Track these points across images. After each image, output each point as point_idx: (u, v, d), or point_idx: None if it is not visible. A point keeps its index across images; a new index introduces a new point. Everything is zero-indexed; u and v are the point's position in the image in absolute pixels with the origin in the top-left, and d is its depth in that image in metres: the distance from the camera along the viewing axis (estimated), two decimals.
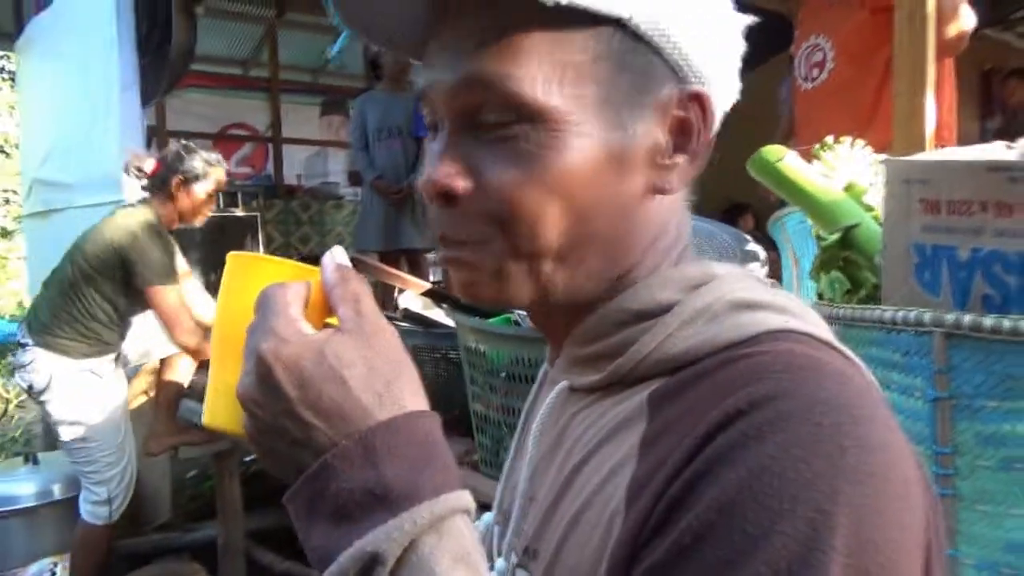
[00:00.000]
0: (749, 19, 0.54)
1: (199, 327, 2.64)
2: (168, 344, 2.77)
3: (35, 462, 3.17)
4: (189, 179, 2.68)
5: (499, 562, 0.58)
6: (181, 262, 2.80)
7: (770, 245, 1.84)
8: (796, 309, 0.49)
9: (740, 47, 0.54)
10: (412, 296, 2.23)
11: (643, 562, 0.40)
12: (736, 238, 1.54)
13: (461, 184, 0.48)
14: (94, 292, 2.57)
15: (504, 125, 0.47)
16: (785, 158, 1.12)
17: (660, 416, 0.46)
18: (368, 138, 4.12)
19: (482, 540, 0.65)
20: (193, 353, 2.74)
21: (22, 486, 3.02)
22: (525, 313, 1.46)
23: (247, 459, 3.39)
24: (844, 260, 1.02)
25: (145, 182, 2.75)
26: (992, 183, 0.77)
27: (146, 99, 3.62)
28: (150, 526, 3.30)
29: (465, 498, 0.44)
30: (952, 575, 0.79)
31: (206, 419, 0.53)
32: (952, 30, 2.01)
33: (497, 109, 0.47)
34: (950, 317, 0.75)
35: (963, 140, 2.38)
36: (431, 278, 4.07)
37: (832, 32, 2.35)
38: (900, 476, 0.40)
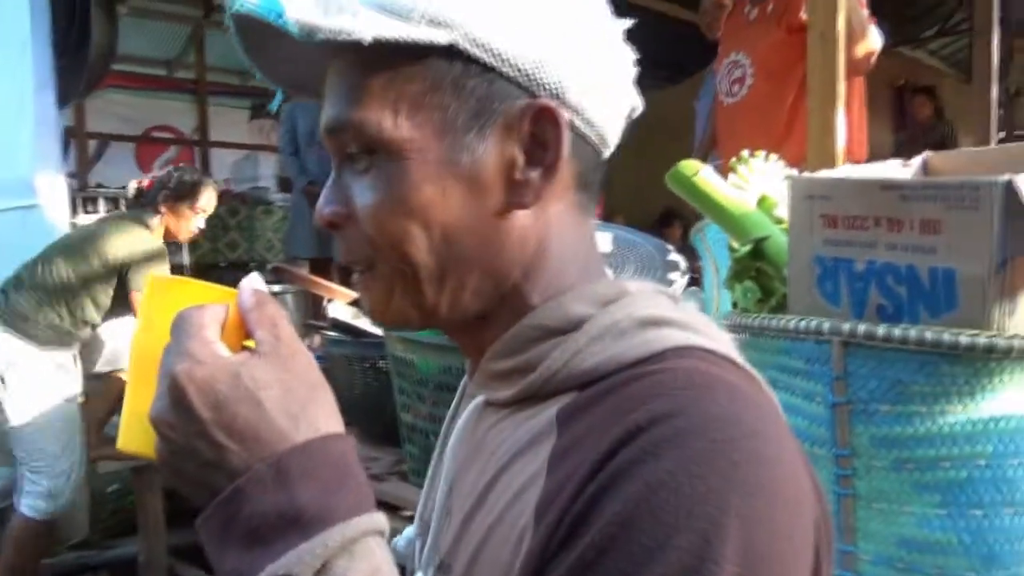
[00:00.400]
0: (625, 23, 0.56)
1: None
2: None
3: None
4: (177, 196, 2.80)
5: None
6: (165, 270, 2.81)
7: (696, 254, 1.90)
8: (700, 325, 0.52)
9: (618, 54, 0.55)
10: (341, 305, 2.21)
11: None
12: (659, 248, 1.58)
13: (338, 213, 0.53)
14: (83, 291, 2.61)
15: (363, 158, 0.52)
16: (700, 172, 1.16)
17: (568, 432, 0.47)
18: (299, 143, 4.06)
19: (406, 554, 0.66)
20: None
21: None
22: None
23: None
24: (756, 270, 1.06)
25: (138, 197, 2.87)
26: (885, 200, 0.82)
27: (63, 100, 3.48)
28: (66, 544, 3.16)
29: (377, 519, 0.44)
30: (852, 570, 0.83)
31: (120, 443, 0.52)
32: (861, 50, 2.12)
33: (356, 146, 0.52)
34: (846, 326, 0.80)
35: (876, 153, 2.51)
36: None
37: (751, 49, 2.44)
38: (790, 487, 0.43)
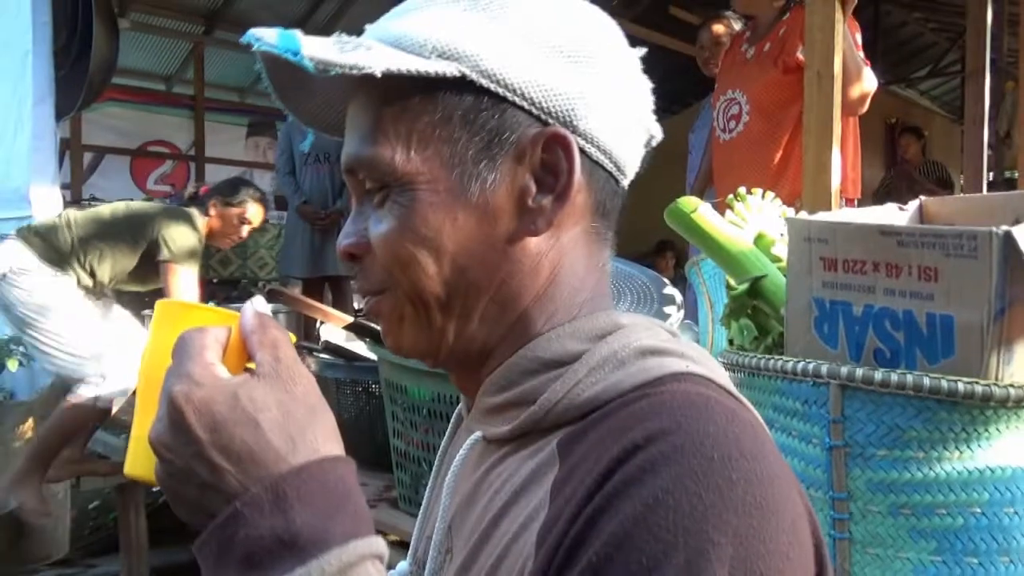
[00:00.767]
0: (639, 52, 0.57)
1: None
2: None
3: None
4: (228, 202, 2.96)
5: None
6: None
7: (687, 284, 1.90)
8: (696, 356, 0.52)
9: (632, 82, 0.56)
10: (334, 328, 2.20)
11: None
12: (655, 281, 1.59)
13: (355, 245, 0.55)
14: (104, 247, 2.72)
15: (378, 191, 0.54)
16: (699, 209, 1.17)
17: (568, 460, 0.48)
18: (295, 162, 4.06)
19: None
20: None
21: None
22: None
23: (155, 489, 3.24)
24: (752, 308, 1.07)
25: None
26: (883, 245, 0.82)
27: (61, 112, 3.48)
28: (46, 562, 3.10)
29: (376, 544, 0.44)
30: None
31: (127, 468, 0.52)
32: (855, 91, 2.15)
33: (371, 180, 0.54)
34: (844, 369, 0.80)
35: (868, 189, 2.53)
36: (355, 305, 4.02)
37: (747, 87, 2.48)
38: (787, 509, 0.43)
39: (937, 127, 6.74)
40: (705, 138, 3.15)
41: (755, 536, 0.40)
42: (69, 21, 3.63)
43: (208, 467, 0.43)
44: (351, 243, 0.55)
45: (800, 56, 2.22)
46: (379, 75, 0.48)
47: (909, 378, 0.77)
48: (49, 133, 3.32)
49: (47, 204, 3.22)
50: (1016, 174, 4.60)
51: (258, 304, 0.50)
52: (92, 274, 2.74)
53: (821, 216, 0.99)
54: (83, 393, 2.65)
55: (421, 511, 0.66)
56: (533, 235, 0.53)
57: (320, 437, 0.45)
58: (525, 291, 0.54)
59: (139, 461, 0.51)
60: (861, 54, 2.21)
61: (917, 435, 0.78)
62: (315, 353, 2.09)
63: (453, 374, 0.60)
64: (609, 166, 0.55)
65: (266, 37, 0.49)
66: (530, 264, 0.54)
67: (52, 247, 2.67)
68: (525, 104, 0.51)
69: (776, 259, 1.12)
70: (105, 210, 2.85)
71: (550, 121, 0.52)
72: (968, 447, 0.77)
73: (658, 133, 0.59)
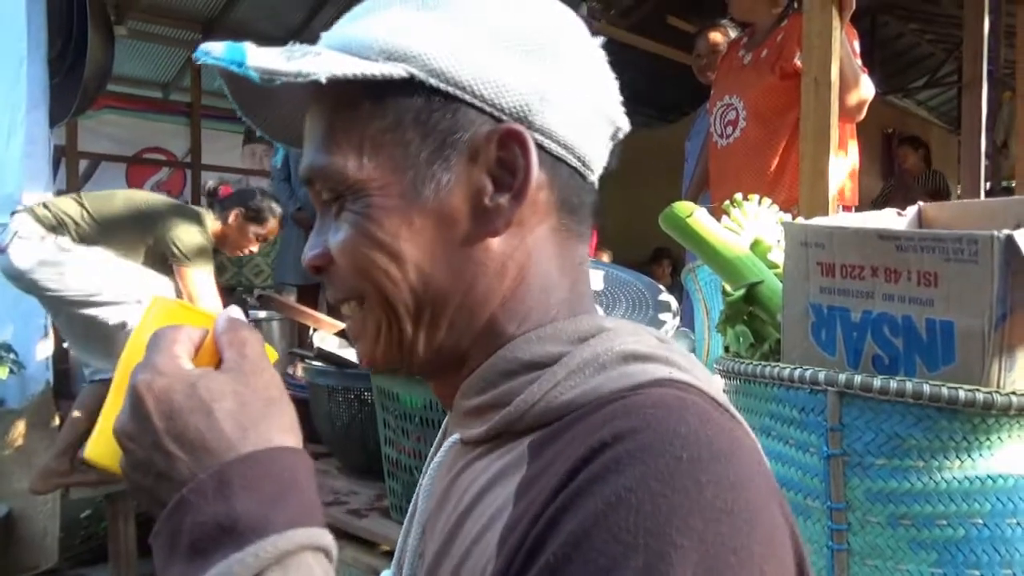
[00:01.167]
0: (598, 41, 0.55)
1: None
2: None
3: None
4: (248, 216, 2.90)
5: None
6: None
7: (683, 292, 1.89)
8: (684, 363, 0.50)
9: (591, 73, 0.54)
10: (326, 335, 2.18)
11: None
12: (650, 288, 1.57)
13: (319, 255, 0.54)
14: (117, 240, 2.68)
15: (334, 201, 0.52)
16: (695, 214, 1.16)
17: (537, 461, 0.46)
18: (290, 169, 4.05)
19: None
20: None
21: None
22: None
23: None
24: (748, 315, 1.05)
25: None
26: (881, 250, 0.81)
27: (55, 119, 3.47)
28: (33, 572, 3.07)
29: (319, 536, 0.43)
30: None
31: (87, 452, 0.53)
32: (853, 98, 2.14)
33: (327, 190, 0.52)
34: (843, 377, 0.78)
35: (865, 198, 2.53)
36: None
37: (744, 93, 2.47)
38: (762, 518, 0.40)
39: (934, 137, 6.74)
40: (700, 145, 3.14)
41: (723, 544, 0.38)
42: (64, 28, 3.62)
43: (163, 455, 0.43)
44: (314, 255, 0.54)
45: (798, 62, 2.21)
46: (324, 81, 0.47)
47: (909, 385, 0.75)
48: (43, 139, 3.30)
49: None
50: (1014, 183, 4.61)
51: (233, 312, 0.51)
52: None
53: (818, 220, 0.97)
54: (115, 321, 2.60)
55: (407, 518, 0.65)
56: (493, 235, 0.51)
57: (275, 428, 0.45)
58: (492, 294, 0.52)
59: (101, 448, 0.52)
60: (859, 61, 2.20)
61: (917, 444, 0.76)
62: (307, 360, 2.07)
63: (430, 382, 0.59)
64: (572, 161, 0.53)
65: (213, 51, 0.48)
66: (494, 266, 0.52)
67: (60, 222, 2.63)
68: (477, 102, 0.50)
69: (773, 265, 1.10)
70: (119, 197, 2.79)
71: (504, 118, 0.50)
72: (969, 456, 0.75)
73: (625, 125, 0.57)
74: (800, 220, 0.97)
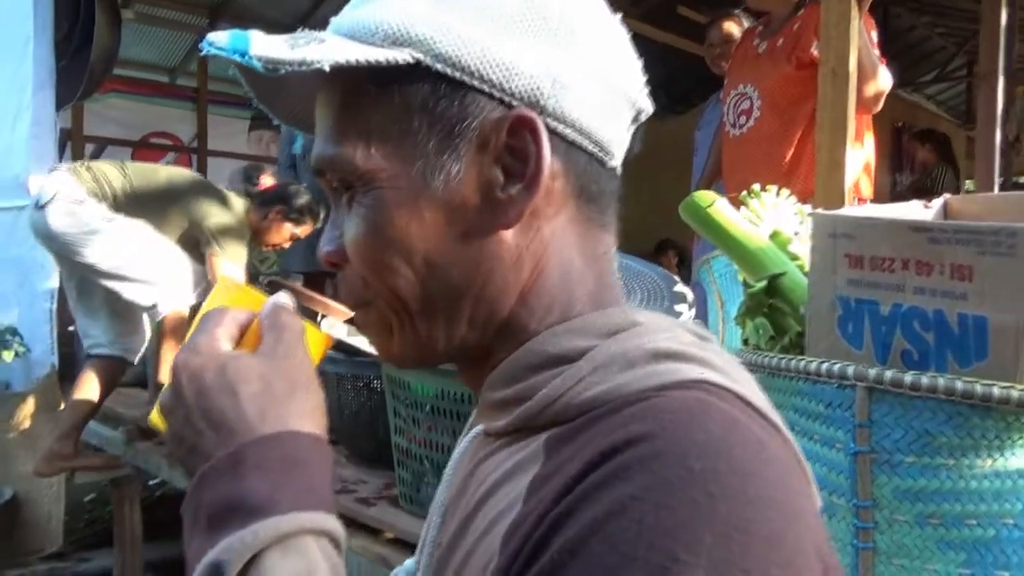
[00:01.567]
0: (616, 19, 0.53)
1: None
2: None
3: None
4: (290, 216, 2.83)
5: None
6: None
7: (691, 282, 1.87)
8: (719, 363, 0.47)
9: (611, 54, 0.51)
10: (336, 322, 2.17)
11: None
12: (665, 278, 1.55)
13: (334, 252, 0.53)
14: (153, 215, 2.60)
15: (345, 191, 0.51)
16: (716, 204, 1.14)
17: (552, 459, 0.44)
18: (296, 157, 4.03)
19: None
20: None
21: None
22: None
23: (152, 482, 3.22)
24: (769, 307, 1.03)
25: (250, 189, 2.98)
26: (914, 242, 0.79)
27: (61, 102, 3.45)
28: (38, 555, 3.07)
29: (323, 520, 0.43)
30: None
31: (151, 416, 0.56)
32: (870, 89, 2.11)
33: (337, 180, 0.51)
34: (872, 372, 0.76)
35: (877, 193, 2.50)
36: None
37: (759, 82, 2.44)
38: (785, 540, 0.36)
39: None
40: (711, 135, 3.11)
41: (735, 564, 0.34)
42: (71, 11, 3.59)
43: (193, 431, 0.46)
44: (330, 251, 0.53)
45: (814, 52, 2.18)
46: (327, 69, 0.45)
47: (941, 381, 0.73)
48: (49, 122, 3.28)
49: (46, 190, 3.19)
50: None
51: (280, 298, 0.53)
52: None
53: (847, 210, 0.95)
54: (141, 301, 2.55)
55: (431, 507, 0.64)
56: (506, 227, 0.49)
57: (294, 413, 0.46)
58: (510, 287, 0.50)
59: (159, 416, 0.54)
60: (877, 52, 2.17)
61: (947, 441, 0.74)
62: None
63: (458, 371, 0.58)
64: (589, 147, 0.50)
65: (218, 40, 0.47)
66: (510, 259, 0.49)
67: (101, 188, 2.53)
68: (486, 87, 0.47)
69: (793, 257, 1.08)
70: (163, 173, 2.72)
71: (515, 103, 0.48)
72: (1001, 455, 0.73)
73: (648, 107, 0.54)
74: (828, 211, 0.95)
